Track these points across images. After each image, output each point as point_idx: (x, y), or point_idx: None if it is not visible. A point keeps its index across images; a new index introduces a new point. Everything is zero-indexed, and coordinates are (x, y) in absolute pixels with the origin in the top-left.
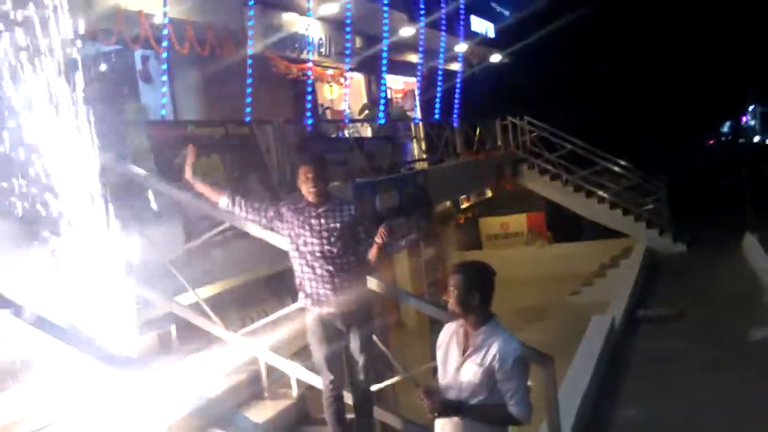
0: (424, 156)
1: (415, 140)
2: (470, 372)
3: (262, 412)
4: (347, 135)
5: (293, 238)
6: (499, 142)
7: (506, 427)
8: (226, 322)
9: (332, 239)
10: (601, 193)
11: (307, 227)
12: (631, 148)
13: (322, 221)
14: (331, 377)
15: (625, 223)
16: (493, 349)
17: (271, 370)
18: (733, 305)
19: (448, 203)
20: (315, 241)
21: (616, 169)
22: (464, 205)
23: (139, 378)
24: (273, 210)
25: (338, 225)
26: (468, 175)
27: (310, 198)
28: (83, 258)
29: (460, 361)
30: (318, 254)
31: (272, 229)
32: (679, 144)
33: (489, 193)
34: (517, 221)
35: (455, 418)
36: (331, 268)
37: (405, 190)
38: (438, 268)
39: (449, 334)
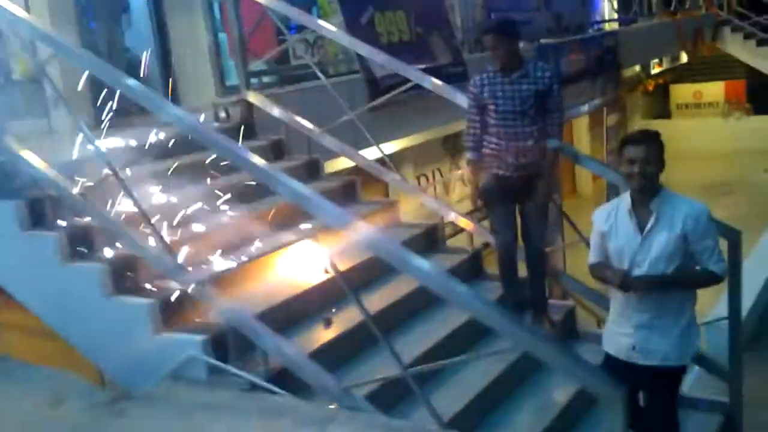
0: (616, 15)
1: None
2: (662, 242)
3: (439, 264)
4: None
5: (486, 104)
6: (701, 1)
7: (695, 293)
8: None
9: (524, 104)
10: None
11: (499, 93)
12: None
13: (515, 87)
14: (505, 235)
15: None
16: (682, 212)
17: (447, 225)
18: None
19: (637, 68)
20: (507, 104)
21: None
22: (655, 71)
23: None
24: (476, 111)
25: (531, 89)
26: (662, 38)
27: (497, 66)
28: None
29: (642, 235)
30: (507, 118)
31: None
32: None
33: (684, 59)
34: (713, 90)
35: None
36: (516, 131)
37: (592, 52)
38: (621, 136)
39: (609, 214)
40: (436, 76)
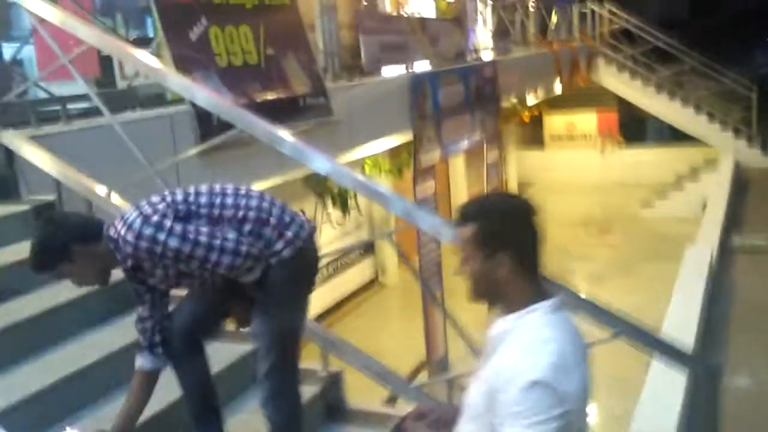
0: (492, 42)
1: (483, 23)
2: (473, 389)
3: None
4: (407, 14)
5: None
6: (575, 32)
7: None
8: None
9: None
10: (684, 95)
11: None
12: (722, 46)
13: None
14: None
15: (709, 130)
16: (503, 359)
17: None
18: None
19: (513, 99)
20: None
21: (705, 69)
22: (530, 101)
23: None
24: None
25: None
26: (539, 68)
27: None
28: None
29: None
30: None
31: None
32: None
33: (557, 89)
34: (586, 121)
35: None
36: None
37: (472, 82)
38: (500, 172)
39: None
40: (292, 108)
